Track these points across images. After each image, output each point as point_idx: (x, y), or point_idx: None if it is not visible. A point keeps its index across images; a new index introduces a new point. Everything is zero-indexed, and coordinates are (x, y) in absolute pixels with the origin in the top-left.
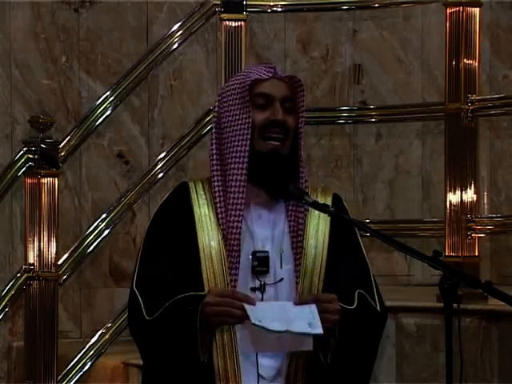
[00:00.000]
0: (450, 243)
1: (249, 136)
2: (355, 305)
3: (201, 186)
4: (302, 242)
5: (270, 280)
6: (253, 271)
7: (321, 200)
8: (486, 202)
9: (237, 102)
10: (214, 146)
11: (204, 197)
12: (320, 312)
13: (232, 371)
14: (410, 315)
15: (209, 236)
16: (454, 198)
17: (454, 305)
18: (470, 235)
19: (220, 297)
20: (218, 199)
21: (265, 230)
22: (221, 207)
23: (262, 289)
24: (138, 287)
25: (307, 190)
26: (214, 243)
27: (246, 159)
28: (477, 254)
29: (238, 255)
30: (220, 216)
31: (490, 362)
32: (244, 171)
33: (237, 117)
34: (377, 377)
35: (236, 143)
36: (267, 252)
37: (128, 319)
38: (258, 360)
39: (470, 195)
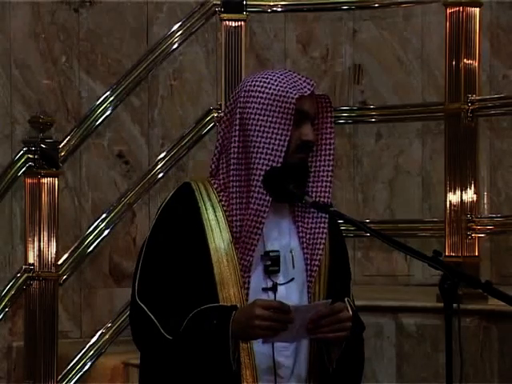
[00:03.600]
0: (450, 243)
1: (284, 149)
2: (351, 311)
3: (203, 186)
4: (313, 242)
5: (281, 280)
6: (266, 271)
7: None
8: (485, 201)
9: (276, 111)
10: (236, 144)
11: (208, 198)
12: (336, 323)
13: (251, 372)
14: (409, 315)
15: (219, 239)
16: (454, 197)
17: (454, 305)
18: (469, 235)
19: (267, 309)
20: (234, 200)
21: (272, 230)
22: (236, 209)
23: (274, 289)
24: (142, 300)
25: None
26: (224, 246)
27: None
28: (477, 254)
29: (252, 258)
30: (234, 218)
31: (490, 361)
32: None
33: (276, 126)
34: (377, 377)
35: (270, 151)
36: (278, 251)
37: (138, 338)
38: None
39: (470, 195)
